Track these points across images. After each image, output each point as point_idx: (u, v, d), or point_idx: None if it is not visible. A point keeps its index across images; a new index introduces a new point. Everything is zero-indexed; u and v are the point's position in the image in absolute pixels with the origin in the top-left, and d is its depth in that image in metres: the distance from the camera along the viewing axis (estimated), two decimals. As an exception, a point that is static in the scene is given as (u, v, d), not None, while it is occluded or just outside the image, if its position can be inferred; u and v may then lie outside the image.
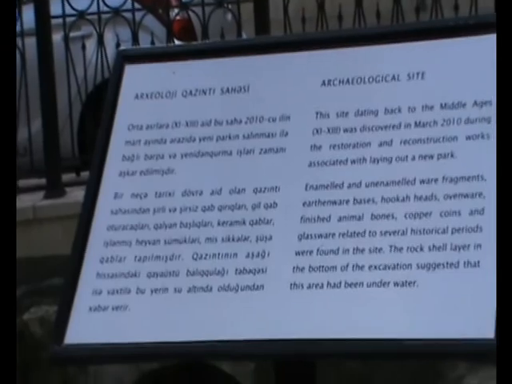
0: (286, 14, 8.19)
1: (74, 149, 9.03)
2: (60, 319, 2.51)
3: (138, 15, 8.57)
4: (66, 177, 8.75)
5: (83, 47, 8.63)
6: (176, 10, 8.89)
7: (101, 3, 8.42)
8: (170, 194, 2.55)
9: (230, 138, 2.57)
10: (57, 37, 8.45)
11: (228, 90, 2.62)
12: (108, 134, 2.66)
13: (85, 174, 9.10)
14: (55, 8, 8.38)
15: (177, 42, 8.68)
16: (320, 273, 2.38)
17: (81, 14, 8.53)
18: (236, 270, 2.44)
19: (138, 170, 2.61)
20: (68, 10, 8.44)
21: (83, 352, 2.50)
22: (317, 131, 2.52)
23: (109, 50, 8.50)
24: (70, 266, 2.56)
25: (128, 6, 8.52)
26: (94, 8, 8.46)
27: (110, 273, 2.53)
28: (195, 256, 2.47)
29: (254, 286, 2.42)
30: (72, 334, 2.48)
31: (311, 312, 2.38)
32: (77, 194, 8.22)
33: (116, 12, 8.57)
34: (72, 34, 8.61)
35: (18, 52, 8.25)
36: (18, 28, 8.18)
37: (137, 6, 8.59)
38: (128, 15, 8.55)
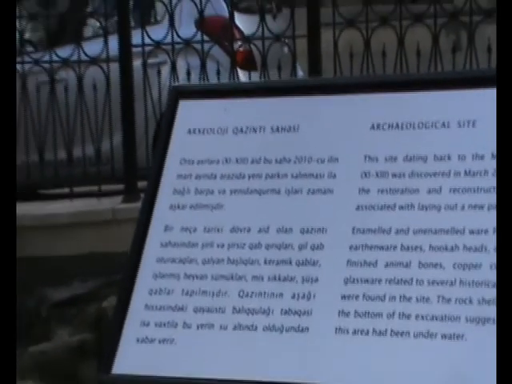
0: (336, 49, 7.93)
1: (148, 160, 8.64)
2: (109, 348, 2.23)
3: (206, 46, 8.36)
4: (141, 184, 8.34)
5: (159, 72, 8.45)
6: (239, 43, 8.69)
7: (174, 35, 8.23)
8: (218, 230, 2.23)
9: (278, 176, 2.24)
10: (136, 63, 8.29)
11: (278, 129, 2.28)
12: (161, 167, 2.36)
13: None
14: (136, 38, 8.26)
15: (239, 71, 8.61)
16: (366, 319, 2.03)
17: (157, 44, 8.35)
18: (281, 310, 2.12)
19: (188, 203, 2.30)
20: (146, 40, 8.28)
21: (129, 383, 2.22)
22: (365, 174, 2.16)
23: (180, 76, 8.40)
24: (120, 296, 2.31)
25: (198, 38, 8.32)
26: (168, 39, 8.26)
27: (158, 305, 2.23)
28: (241, 293, 2.16)
29: (299, 327, 2.09)
30: (120, 364, 2.19)
31: (355, 358, 2.02)
32: None
33: (187, 43, 8.33)
34: (149, 61, 8.43)
35: (103, 75, 8.29)
36: (104, 55, 8.28)
37: (205, 38, 8.36)
38: (197, 46, 8.34)
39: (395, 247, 2.06)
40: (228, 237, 2.21)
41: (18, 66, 8.31)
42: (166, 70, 8.42)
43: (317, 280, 2.11)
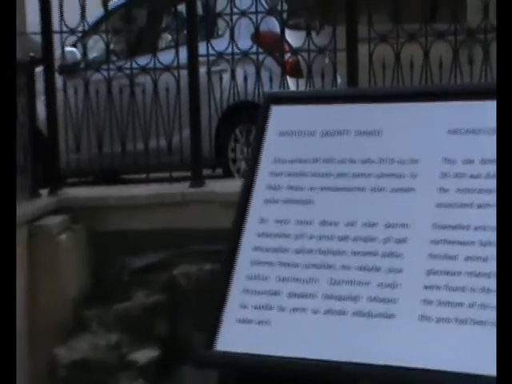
0: (371, 61, 7.84)
1: (211, 151, 8.96)
2: (211, 327, 2.10)
3: (261, 57, 8.32)
4: (206, 172, 8.57)
5: (220, 78, 8.45)
6: (288, 54, 8.65)
7: (234, 47, 8.21)
8: (309, 223, 2.09)
9: (363, 176, 2.08)
10: (202, 70, 8.25)
11: (361, 132, 2.12)
12: (255, 165, 2.21)
13: (219, 171, 9.27)
14: (201, 49, 8.21)
15: (288, 78, 8.55)
16: (448, 308, 1.86)
17: (219, 55, 8.34)
18: (369, 297, 1.97)
19: (280, 198, 2.15)
20: (210, 51, 8.26)
21: (230, 359, 2.07)
22: (444, 175, 1.98)
23: (239, 81, 8.39)
24: (221, 281, 2.16)
25: (253, 49, 8.30)
26: (229, 50, 8.23)
27: (255, 290, 2.09)
28: (331, 281, 2.01)
29: (385, 314, 1.93)
30: (222, 341, 2.07)
31: (439, 344, 1.84)
32: (213, 185, 8.26)
33: (245, 54, 8.31)
34: (213, 69, 8.41)
35: (174, 80, 8.26)
36: (175, 63, 8.27)
37: (260, 50, 8.32)
38: (253, 56, 8.30)
39: (474, 243, 1.89)
40: (318, 229, 2.06)
41: (104, 72, 8.37)
42: (226, 77, 8.39)
43: (401, 271, 1.95)
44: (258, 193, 2.16)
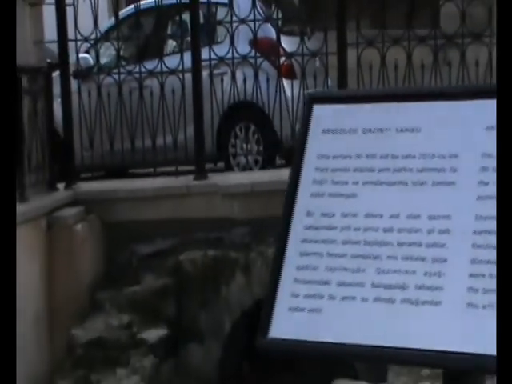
0: (359, 63, 7.85)
1: (213, 147, 8.90)
2: (265, 316, 2.02)
3: (258, 61, 8.31)
4: (208, 166, 8.59)
5: (221, 80, 8.41)
6: (283, 58, 8.56)
7: (234, 52, 8.20)
8: (354, 215, 2.00)
9: (405, 170, 1.99)
10: (205, 73, 8.23)
11: (402, 129, 2.03)
12: (301, 161, 2.11)
13: (220, 165, 9.21)
14: (204, 54, 8.19)
15: (284, 80, 8.53)
16: (493, 295, 1.76)
17: (220, 59, 8.30)
18: (415, 285, 1.88)
19: (326, 192, 2.05)
20: (212, 56, 8.23)
21: (284, 346, 2.00)
22: (483, 169, 1.89)
23: (238, 83, 8.37)
24: (272, 271, 2.06)
25: (251, 54, 8.30)
26: (229, 55, 8.22)
27: (306, 279, 2.00)
28: (378, 270, 1.92)
29: (432, 301, 1.85)
30: (275, 329, 1.99)
31: (487, 330, 1.75)
32: (215, 178, 8.24)
33: (244, 58, 8.31)
34: (214, 72, 8.39)
35: (179, 82, 8.23)
36: (180, 67, 8.24)
37: (257, 54, 8.32)
38: (251, 60, 8.30)
39: None
40: (363, 222, 1.98)
41: (115, 76, 8.37)
42: (227, 79, 8.36)
43: (445, 260, 1.86)
44: (304, 187, 2.07)
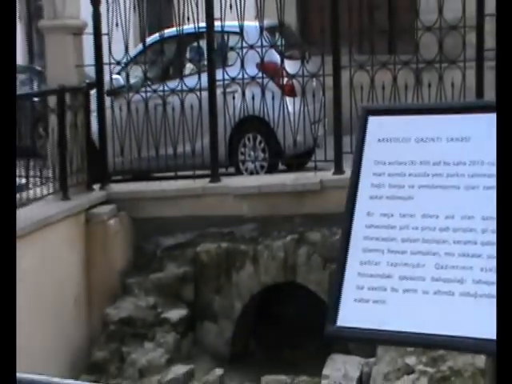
0: (351, 83, 7.84)
1: (225, 154, 8.90)
2: (333, 306, 1.98)
3: (265, 81, 8.33)
4: (221, 170, 8.56)
5: (233, 98, 8.40)
6: (286, 79, 8.59)
7: (244, 73, 8.21)
8: (411, 216, 1.95)
9: (457, 175, 1.97)
10: (219, 91, 8.25)
11: (452, 139, 2.02)
12: (359, 167, 2.07)
13: (231, 170, 9.13)
14: (218, 75, 8.23)
15: (286, 97, 8.53)
16: None
17: (232, 79, 8.33)
18: (473, 280, 1.86)
19: (384, 195, 2.00)
20: (225, 77, 8.27)
21: (351, 334, 1.97)
22: None
23: (247, 100, 8.34)
24: (338, 266, 2.01)
25: (259, 75, 8.29)
26: (239, 76, 8.23)
27: (369, 273, 1.95)
28: (437, 266, 1.89)
29: (490, 294, 1.83)
30: (342, 318, 1.94)
31: None
32: (227, 181, 8.24)
33: (252, 78, 8.31)
34: (227, 90, 8.39)
35: (197, 99, 8.21)
36: (197, 86, 8.20)
37: (264, 75, 8.32)
38: (259, 81, 8.30)
39: None
40: (420, 221, 1.93)
41: (142, 94, 8.39)
42: (238, 96, 8.37)
43: None
44: (364, 190, 2.01)
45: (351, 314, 1.92)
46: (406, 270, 1.90)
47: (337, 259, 1.97)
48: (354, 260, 1.96)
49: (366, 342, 2.34)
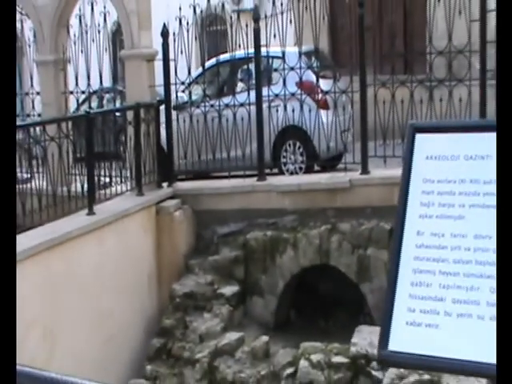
0: (375, 99, 7.79)
1: (270, 157, 8.87)
2: (384, 329, 1.60)
3: (303, 97, 8.34)
4: (266, 171, 8.52)
5: (276, 111, 8.38)
6: (321, 95, 8.59)
7: (286, 91, 8.22)
8: (463, 236, 1.58)
9: None
10: (265, 105, 8.22)
11: None
12: (407, 184, 1.70)
13: (274, 171, 9.04)
14: (264, 92, 8.20)
15: (321, 111, 8.45)
16: None
17: (276, 95, 8.30)
18: None
19: (434, 214, 1.63)
20: (270, 93, 8.30)
21: (403, 358, 1.57)
22: None
23: (288, 112, 8.31)
24: (388, 286, 1.64)
25: (298, 92, 8.29)
26: (282, 92, 8.23)
27: (420, 295, 1.58)
28: (492, 290, 1.49)
29: None
30: (394, 342, 1.57)
31: None
32: (271, 180, 8.21)
33: (292, 95, 8.29)
34: (272, 104, 8.37)
35: (247, 112, 8.14)
36: (247, 101, 8.21)
37: (302, 92, 8.35)
38: (298, 96, 8.30)
39: None
40: (472, 242, 1.55)
41: (202, 108, 8.42)
42: (280, 110, 8.36)
43: None
44: (413, 209, 1.65)
45: (403, 338, 1.56)
46: (459, 292, 1.54)
47: (387, 279, 1.61)
48: (404, 280, 1.61)
49: (419, 369, 1.85)
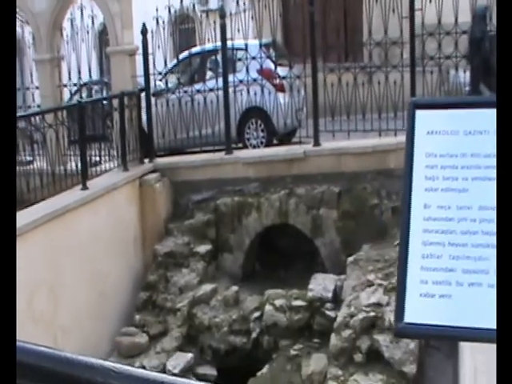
0: (325, 83, 7.63)
1: (236, 134, 8.67)
2: (398, 303, 1.36)
3: (263, 82, 8.21)
4: (233, 146, 8.31)
5: (241, 94, 8.19)
6: (278, 80, 8.42)
7: (248, 77, 8.04)
8: (468, 208, 1.38)
9: None
10: (231, 90, 8.00)
11: None
12: (411, 159, 1.45)
13: (239, 145, 8.76)
14: (230, 79, 8.02)
15: (278, 93, 8.31)
16: None
17: (240, 81, 8.07)
18: None
19: (439, 187, 1.41)
20: (235, 80, 8.02)
21: (419, 330, 1.34)
22: None
23: (251, 96, 8.15)
24: (400, 260, 1.40)
25: (259, 78, 8.16)
26: (245, 79, 8.01)
27: (432, 267, 1.37)
28: None
29: None
30: (410, 314, 1.34)
31: None
32: (237, 153, 8.00)
33: (254, 80, 8.15)
34: (237, 89, 8.09)
35: (215, 97, 7.96)
36: (216, 87, 8.00)
37: (262, 78, 8.21)
38: (259, 82, 8.17)
39: None
40: (478, 213, 1.37)
41: (177, 94, 8.17)
42: (244, 93, 8.21)
43: None
44: (418, 183, 1.45)
45: (418, 310, 1.39)
46: (468, 263, 1.37)
47: (398, 253, 1.42)
48: (415, 253, 1.42)
49: (436, 339, 1.50)
